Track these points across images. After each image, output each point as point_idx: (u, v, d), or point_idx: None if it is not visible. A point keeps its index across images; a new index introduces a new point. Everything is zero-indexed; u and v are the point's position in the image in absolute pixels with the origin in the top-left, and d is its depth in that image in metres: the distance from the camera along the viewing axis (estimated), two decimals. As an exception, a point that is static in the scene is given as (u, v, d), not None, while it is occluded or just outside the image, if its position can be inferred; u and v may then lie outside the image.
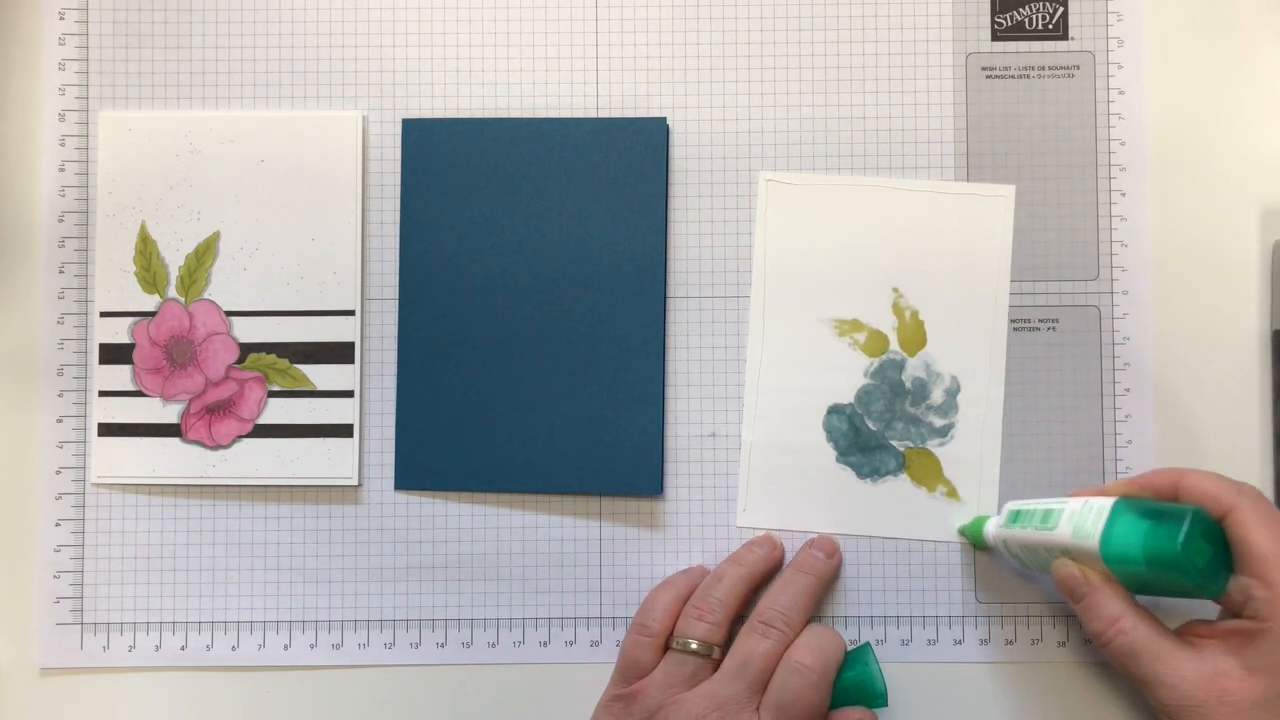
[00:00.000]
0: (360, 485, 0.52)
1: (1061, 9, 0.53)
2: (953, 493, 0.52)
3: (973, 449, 0.52)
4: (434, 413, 0.52)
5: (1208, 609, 0.47)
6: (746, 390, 0.52)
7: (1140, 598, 0.45)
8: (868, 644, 0.50)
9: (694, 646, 0.47)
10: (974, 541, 0.51)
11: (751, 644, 0.47)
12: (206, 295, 0.52)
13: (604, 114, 0.53)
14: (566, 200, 0.52)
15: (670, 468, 0.52)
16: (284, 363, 0.52)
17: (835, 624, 0.52)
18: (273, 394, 0.52)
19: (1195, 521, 0.42)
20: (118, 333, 0.52)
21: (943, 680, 0.51)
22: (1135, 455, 0.52)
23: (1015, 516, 0.48)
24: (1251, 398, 0.52)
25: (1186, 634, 0.44)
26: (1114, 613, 0.44)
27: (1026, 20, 0.53)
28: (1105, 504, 0.44)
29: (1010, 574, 0.52)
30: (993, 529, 0.49)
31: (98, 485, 0.52)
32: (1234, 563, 0.43)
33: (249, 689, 0.52)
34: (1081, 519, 0.44)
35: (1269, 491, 0.52)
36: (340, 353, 0.52)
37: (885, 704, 0.48)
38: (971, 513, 0.51)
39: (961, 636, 0.52)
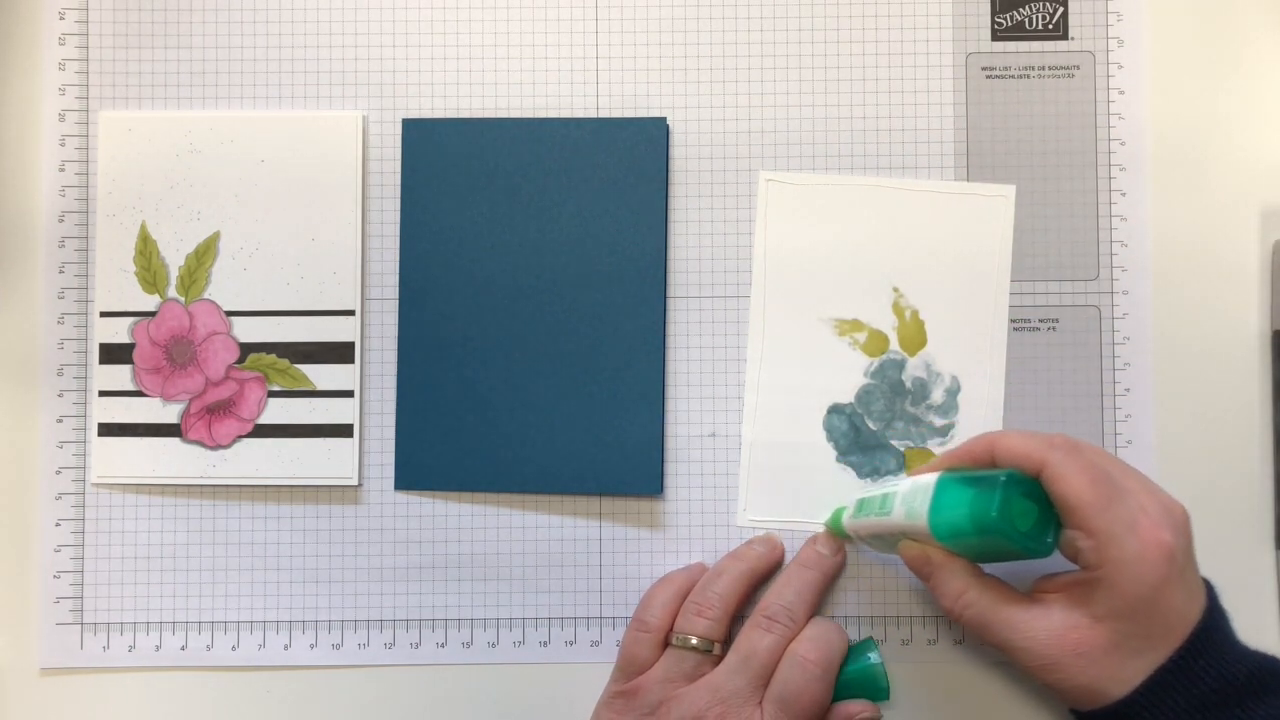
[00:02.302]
0: (360, 485, 0.52)
1: (1061, 9, 0.53)
2: (953, 492, 0.52)
3: (973, 449, 0.52)
4: (434, 413, 0.52)
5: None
6: (746, 390, 0.52)
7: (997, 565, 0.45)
8: (871, 638, 0.50)
9: (694, 643, 0.47)
10: (838, 535, 0.50)
11: (755, 638, 0.47)
12: (206, 295, 0.52)
13: (604, 114, 0.53)
14: (567, 200, 0.52)
15: (670, 467, 0.52)
16: (284, 363, 0.52)
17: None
18: (273, 394, 0.52)
19: (1010, 485, 0.41)
20: (118, 332, 0.52)
21: (943, 680, 0.51)
22: (1135, 455, 0.52)
23: (860, 506, 0.48)
24: (1251, 398, 0.52)
25: (1036, 592, 0.44)
26: (958, 588, 0.44)
27: (1026, 20, 0.53)
28: (930, 481, 0.44)
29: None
30: (845, 519, 0.49)
31: (98, 485, 0.52)
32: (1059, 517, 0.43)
33: (249, 689, 0.52)
34: (911, 499, 0.44)
35: (1269, 491, 0.52)
36: (340, 353, 0.52)
37: (888, 697, 0.49)
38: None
39: (962, 636, 0.52)
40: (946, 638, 0.52)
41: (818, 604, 0.49)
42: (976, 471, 0.44)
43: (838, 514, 0.50)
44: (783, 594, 0.48)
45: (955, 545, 0.43)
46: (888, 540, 0.47)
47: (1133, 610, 0.41)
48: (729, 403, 0.52)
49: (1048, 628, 0.42)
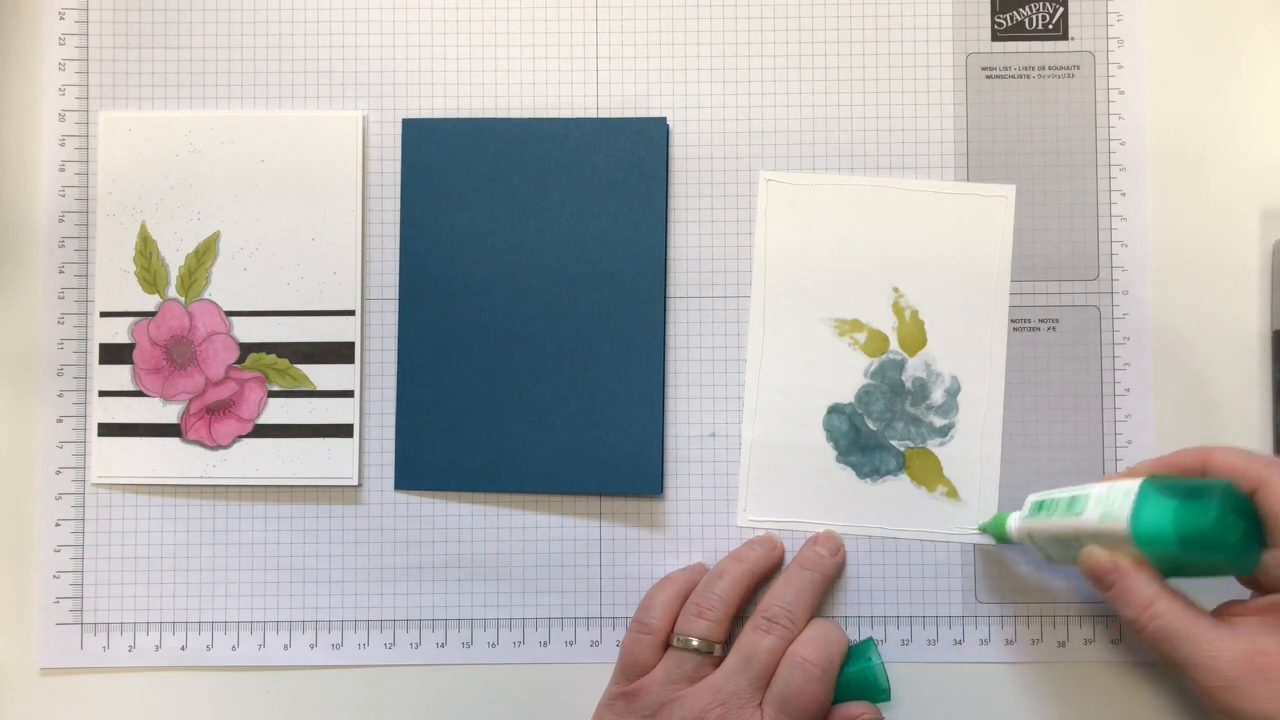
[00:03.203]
0: (360, 485, 0.52)
1: (1061, 9, 0.53)
2: (953, 493, 0.52)
3: (973, 449, 0.52)
4: (434, 413, 0.52)
5: (1238, 592, 0.47)
6: (746, 390, 0.52)
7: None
8: (871, 639, 0.50)
9: (695, 644, 0.48)
10: (997, 537, 0.50)
11: (755, 640, 0.47)
12: (206, 295, 0.52)
13: (604, 114, 0.53)
14: (567, 200, 0.52)
15: (670, 467, 0.52)
16: (284, 363, 0.52)
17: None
18: (273, 394, 0.52)
19: (1226, 496, 0.41)
20: (118, 333, 0.52)
21: (943, 680, 0.51)
22: (1135, 455, 0.52)
23: (1040, 506, 0.47)
24: (1251, 398, 0.52)
25: (1223, 614, 0.44)
26: (1147, 597, 0.43)
27: (1026, 20, 0.53)
28: (1132, 485, 0.43)
29: (1011, 575, 0.52)
30: (1016, 522, 0.48)
31: (98, 485, 0.52)
32: (1265, 537, 0.42)
33: (249, 689, 0.52)
34: (1109, 502, 0.44)
35: (1269, 491, 0.52)
36: (340, 353, 0.52)
37: (888, 698, 0.49)
38: (971, 513, 0.51)
39: (961, 636, 0.52)
40: (946, 638, 0.52)
41: (817, 605, 0.50)
42: (1185, 480, 0.43)
43: (1000, 519, 0.49)
44: (782, 595, 0.48)
45: (1153, 553, 0.43)
46: (1068, 545, 0.46)
47: None
48: (729, 403, 0.52)
49: (1234, 648, 0.41)
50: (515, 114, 0.53)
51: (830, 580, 0.50)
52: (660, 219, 0.52)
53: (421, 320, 0.52)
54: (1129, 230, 0.52)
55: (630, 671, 0.48)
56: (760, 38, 0.53)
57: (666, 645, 0.49)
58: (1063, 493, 0.47)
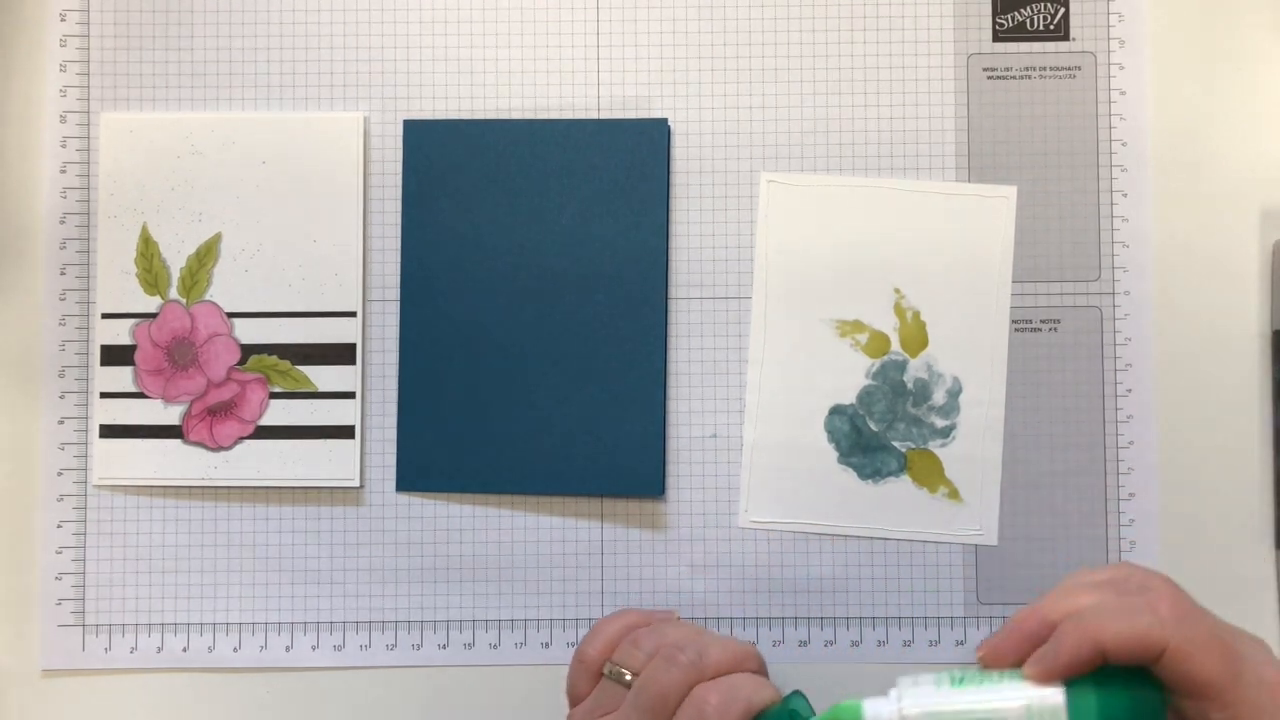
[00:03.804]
0: (362, 487, 0.52)
1: (1062, 10, 0.53)
2: (954, 494, 0.52)
3: (974, 450, 0.52)
4: (435, 414, 0.52)
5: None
6: (748, 391, 0.52)
7: None
8: (798, 691, 0.44)
9: (626, 677, 0.45)
10: None
11: (651, 670, 0.43)
12: (208, 296, 0.52)
13: (605, 115, 0.53)
14: (568, 201, 0.52)
15: (671, 469, 0.52)
16: (285, 364, 0.52)
17: (837, 625, 0.52)
18: (274, 395, 0.52)
19: (1156, 683, 0.38)
20: (119, 334, 0.52)
21: (944, 681, 0.52)
22: (1136, 456, 0.52)
23: None
24: (1251, 398, 0.52)
25: None
26: None
27: (1028, 21, 0.53)
28: (1055, 701, 0.37)
29: (1013, 576, 0.52)
30: None
31: (99, 487, 0.52)
32: (1171, 699, 0.38)
33: (251, 690, 0.52)
34: None
35: (1269, 491, 0.52)
36: (342, 354, 0.52)
37: None
38: (974, 514, 0.51)
39: (964, 637, 0.52)
40: (948, 639, 0.52)
41: (737, 659, 0.44)
42: (1098, 679, 0.38)
43: (853, 709, 0.39)
44: (698, 632, 0.45)
45: None
46: None
47: None
48: (730, 404, 0.52)
49: None
50: (516, 115, 0.53)
51: (748, 653, 0.44)
52: (661, 220, 0.52)
53: (423, 322, 0.52)
54: (1130, 231, 0.52)
55: (570, 697, 0.47)
56: (761, 39, 0.53)
57: (599, 677, 0.46)
58: (963, 705, 0.38)
